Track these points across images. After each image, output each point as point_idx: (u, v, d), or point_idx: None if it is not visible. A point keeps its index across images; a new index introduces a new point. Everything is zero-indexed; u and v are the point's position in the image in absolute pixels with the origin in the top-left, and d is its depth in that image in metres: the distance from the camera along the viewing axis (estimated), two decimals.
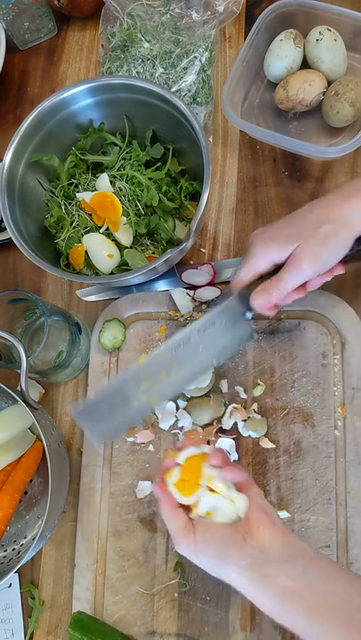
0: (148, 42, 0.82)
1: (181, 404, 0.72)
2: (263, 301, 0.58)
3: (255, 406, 0.71)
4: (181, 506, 0.53)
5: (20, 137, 0.72)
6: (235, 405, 0.71)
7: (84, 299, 0.79)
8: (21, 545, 0.70)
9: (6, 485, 0.66)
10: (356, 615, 0.48)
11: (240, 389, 0.72)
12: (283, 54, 0.78)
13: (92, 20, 0.92)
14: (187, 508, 0.53)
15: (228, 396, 0.72)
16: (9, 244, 0.78)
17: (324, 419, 0.69)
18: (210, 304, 0.75)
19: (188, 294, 0.75)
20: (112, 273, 0.75)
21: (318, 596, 0.49)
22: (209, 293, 0.74)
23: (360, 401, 0.69)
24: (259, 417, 0.70)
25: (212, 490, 0.52)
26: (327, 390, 0.70)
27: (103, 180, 0.75)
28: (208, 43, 0.83)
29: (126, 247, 0.75)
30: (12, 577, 0.71)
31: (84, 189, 0.77)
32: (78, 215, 0.76)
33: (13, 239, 0.69)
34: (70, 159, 0.78)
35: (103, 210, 0.73)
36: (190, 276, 0.75)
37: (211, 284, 0.75)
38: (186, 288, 0.76)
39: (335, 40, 0.76)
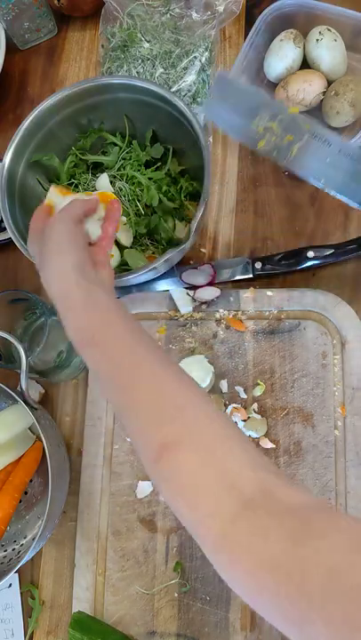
0: (148, 42, 0.82)
1: None
2: None
3: (255, 406, 0.71)
4: None
5: (20, 137, 0.72)
6: (235, 405, 0.71)
7: None
8: (21, 545, 0.70)
9: (6, 485, 0.66)
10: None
11: (240, 389, 0.72)
12: (283, 54, 0.78)
13: (92, 20, 0.92)
14: None
15: (228, 396, 0.72)
16: (9, 244, 0.78)
17: (325, 419, 0.69)
18: (210, 304, 0.75)
19: (188, 294, 0.75)
20: None
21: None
22: (209, 293, 0.74)
23: (360, 401, 0.69)
24: (259, 417, 0.70)
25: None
26: (327, 390, 0.70)
27: (103, 179, 0.75)
28: (208, 43, 0.83)
29: (126, 247, 0.75)
30: (12, 577, 0.71)
31: (84, 189, 0.78)
32: None
33: (13, 239, 0.69)
34: (70, 159, 0.78)
35: None
36: (190, 276, 0.75)
37: (211, 283, 0.75)
38: (186, 288, 0.76)
39: (335, 40, 0.76)
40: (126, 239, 0.74)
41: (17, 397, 0.62)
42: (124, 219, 0.74)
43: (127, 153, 0.78)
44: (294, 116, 0.57)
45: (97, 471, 0.72)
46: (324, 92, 0.77)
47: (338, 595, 0.33)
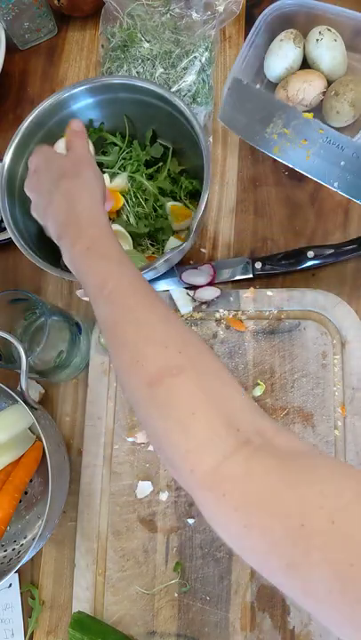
0: (148, 42, 0.82)
1: None
2: None
3: None
4: None
5: (20, 137, 0.72)
6: None
7: (84, 299, 0.79)
8: (21, 545, 0.70)
9: (6, 485, 0.66)
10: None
11: None
12: (283, 54, 0.78)
13: (92, 20, 0.92)
14: None
15: None
16: (9, 244, 0.78)
17: (325, 419, 0.69)
18: (210, 304, 0.75)
19: (188, 294, 0.75)
20: None
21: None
22: (209, 293, 0.74)
23: (360, 401, 0.69)
24: None
25: None
26: (327, 390, 0.70)
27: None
28: (208, 43, 0.83)
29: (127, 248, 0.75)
30: (12, 577, 0.71)
31: None
32: None
33: (13, 239, 0.69)
34: None
35: None
36: (190, 275, 0.75)
37: (211, 283, 0.75)
38: (186, 288, 0.76)
39: (335, 40, 0.76)
40: (125, 243, 0.75)
41: (17, 397, 0.62)
42: (126, 218, 0.74)
43: (127, 153, 0.78)
44: (308, 120, 0.58)
45: (97, 471, 0.72)
46: (324, 92, 0.77)
47: (343, 538, 0.32)
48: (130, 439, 0.72)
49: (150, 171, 0.77)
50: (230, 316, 0.74)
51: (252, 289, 0.74)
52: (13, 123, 0.90)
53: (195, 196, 0.76)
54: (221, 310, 0.74)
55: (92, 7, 0.89)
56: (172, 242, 0.74)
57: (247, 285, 0.76)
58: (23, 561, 0.61)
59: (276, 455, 0.38)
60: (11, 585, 0.71)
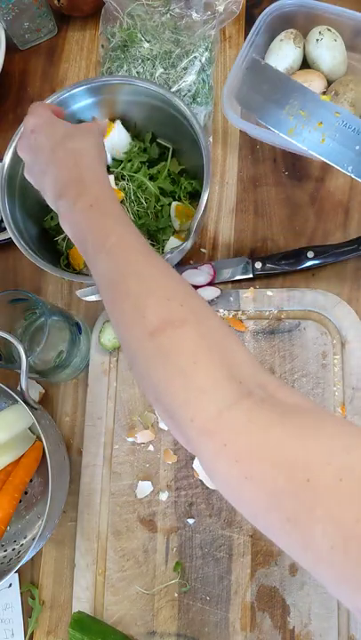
0: (148, 42, 0.82)
1: None
2: None
3: None
4: None
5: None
6: None
7: (84, 299, 0.79)
8: (21, 545, 0.70)
9: (6, 485, 0.66)
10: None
11: None
12: (283, 54, 0.78)
13: (92, 20, 0.92)
14: None
15: None
16: (9, 244, 0.78)
17: None
18: (210, 304, 0.75)
19: None
20: None
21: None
22: (209, 293, 0.74)
23: (360, 401, 0.69)
24: None
25: None
26: (327, 390, 0.70)
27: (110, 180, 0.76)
28: (208, 43, 0.83)
29: None
30: (12, 577, 0.71)
31: None
32: None
33: (13, 239, 0.69)
34: None
35: None
36: (190, 275, 0.75)
37: (211, 283, 0.75)
38: None
39: (335, 40, 0.76)
40: None
41: (17, 397, 0.62)
42: None
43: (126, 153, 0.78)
44: (325, 103, 0.58)
45: (97, 471, 0.72)
46: (324, 92, 0.76)
47: (350, 496, 0.31)
48: (130, 439, 0.72)
49: (153, 171, 0.77)
50: (230, 316, 0.74)
51: (252, 289, 0.74)
52: (13, 123, 0.90)
53: (195, 196, 0.76)
54: (221, 310, 0.74)
55: (92, 7, 0.89)
56: (172, 242, 0.75)
57: (247, 285, 0.76)
58: (23, 561, 0.61)
59: (280, 408, 0.37)
60: (11, 585, 0.71)
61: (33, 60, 0.94)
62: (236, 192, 0.81)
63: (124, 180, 0.77)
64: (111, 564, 0.69)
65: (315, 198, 0.79)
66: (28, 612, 0.71)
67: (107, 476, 0.72)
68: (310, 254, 0.74)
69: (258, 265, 0.75)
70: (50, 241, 0.78)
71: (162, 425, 0.72)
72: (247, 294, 0.74)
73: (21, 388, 0.62)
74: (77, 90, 0.74)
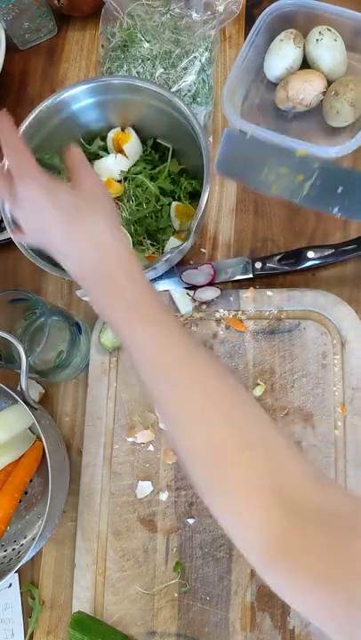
0: (148, 42, 0.82)
1: None
2: None
3: None
4: None
5: (21, 137, 0.72)
6: None
7: (84, 299, 0.79)
8: (21, 545, 0.70)
9: (6, 485, 0.66)
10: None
11: None
12: (283, 54, 0.78)
13: (92, 20, 0.92)
14: None
15: None
16: (9, 244, 0.78)
17: (325, 419, 0.69)
18: (210, 304, 0.75)
19: (188, 294, 0.75)
20: None
21: None
22: (209, 293, 0.74)
23: (360, 401, 0.69)
24: None
25: None
26: (327, 390, 0.70)
27: (104, 162, 0.77)
28: (208, 43, 0.83)
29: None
30: (12, 577, 0.71)
31: None
32: None
33: (13, 239, 0.69)
34: None
35: None
36: (190, 276, 0.75)
37: (211, 283, 0.75)
38: (186, 288, 0.76)
39: (335, 40, 0.76)
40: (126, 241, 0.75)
41: (17, 397, 0.62)
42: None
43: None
44: (303, 158, 0.59)
45: (97, 471, 0.72)
46: (324, 92, 0.77)
47: None
48: (130, 439, 0.72)
49: (154, 171, 0.77)
50: (230, 316, 0.74)
51: (251, 289, 0.74)
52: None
53: (195, 196, 0.76)
54: (221, 310, 0.74)
55: (92, 7, 0.89)
56: (172, 242, 0.75)
57: (247, 285, 0.76)
58: (23, 561, 0.61)
59: (323, 520, 0.39)
60: (11, 585, 0.71)
61: (33, 60, 0.94)
62: (236, 192, 0.81)
63: (125, 180, 0.77)
64: (111, 564, 0.69)
65: None
66: (28, 612, 0.71)
67: (107, 475, 0.72)
68: (310, 254, 0.74)
69: (258, 265, 0.75)
70: None
71: (162, 425, 0.72)
72: (247, 294, 0.74)
73: (21, 388, 0.62)
74: (77, 90, 0.74)
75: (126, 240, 0.50)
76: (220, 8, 0.84)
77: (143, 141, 0.79)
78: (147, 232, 0.76)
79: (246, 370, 0.72)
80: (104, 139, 0.80)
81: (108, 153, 0.79)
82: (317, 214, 0.78)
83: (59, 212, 0.49)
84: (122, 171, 0.77)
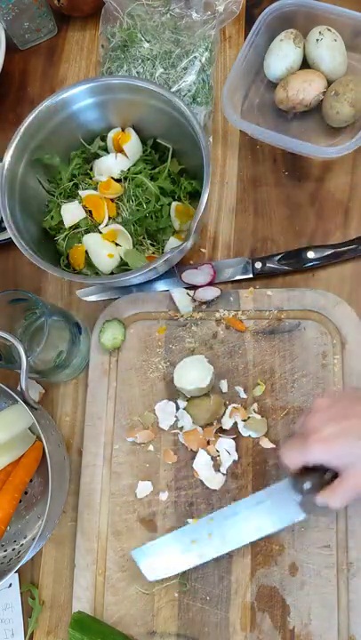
0: (148, 42, 0.82)
1: (181, 403, 0.72)
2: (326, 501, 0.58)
3: (255, 406, 0.71)
4: None
5: (21, 137, 0.72)
6: (235, 405, 0.71)
7: (84, 299, 0.79)
8: (21, 545, 0.70)
9: (6, 485, 0.66)
10: None
11: (240, 389, 0.72)
12: (283, 54, 0.78)
13: (92, 20, 0.92)
14: None
15: (228, 396, 0.72)
16: (9, 244, 0.78)
17: None
18: (210, 304, 0.75)
19: (188, 294, 0.75)
20: (112, 273, 0.75)
21: None
22: (209, 293, 0.74)
23: None
24: (259, 417, 0.70)
25: None
26: (327, 390, 0.70)
27: (104, 162, 0.77)
28: (208, 43, 0.83)
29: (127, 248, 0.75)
30: (12, 577, 0.71)
31: (85, 189, 0.78)
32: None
33: (13, 239, 0.69)
34: (75, 161, 0.78)
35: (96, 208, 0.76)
36: (190, 276, 0.75)
37: (211, 283, 0.75)
38: (186, 288, 0.76)
39: (335, 40, 0.76)
40: (125, 242, 0.75)
41: (17, 397, 0.62)
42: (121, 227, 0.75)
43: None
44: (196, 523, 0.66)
45: (97, 471, 0.72)
46: (324, 92, 0.77)
47: None
48: (130, 439, 0.72)
49: (154, 171, 0.77)
50: (230, 316, 0.74)
51: (251, 289, 0.74)
52: (13, 123, 0.90)
53: (195, 196, 0.76)
54: (221, 310, 0.74)
55: (92, 7, 0.90)
56: (172, 242, 0.75)
57: (247, 285, 0.76)
58: (23, 561, 0.61)
59: None
60: (11, 585, 0.71)
61: (33, 60, 0.94)
62: (236, 192, 0.81)
63: (125, 180, 0.77)
64: (111, 564, 0.69)
65: (315, 198, 0.79)
66: (28, 612, 0.71)
67: (107, 475, 0.72)
68: (310, 254, 0.74)
69: (258, 265, 0.75)
70: (50, 241, 0.78)
71: (162, 425, 0.72)
72: (247, 294, 0.74)
73: (21, 388, 0.62)
74: (77, 90, 0.74)
75: None
76: (220, 8, 0.84)
77: (143, 141, 0.79)
78: (147, 232, 0.76)
79: (246, 370, 0.72)
80: (104, 139, 0.80)
81: (108, 153, 0.79)
82: (317, 214, 0.78)
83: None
84: (122, 171, 0.77)
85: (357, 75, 0.79)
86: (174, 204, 0.75)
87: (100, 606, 0.68)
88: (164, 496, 0.70)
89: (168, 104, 0.71)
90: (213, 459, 0.69)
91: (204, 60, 0.82)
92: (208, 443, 0.70)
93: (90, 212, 0.76)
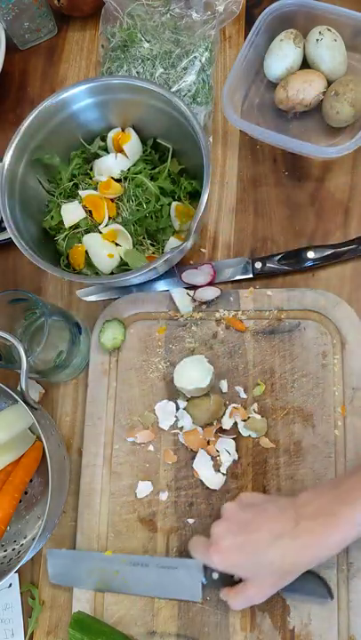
0: (148, 42, 0.82)
1: (181, 403, 0.72)
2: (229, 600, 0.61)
3: (255, 406, 0.71)
4: None
5: (21, 137, 0.72)
6: (235, 405, 0.71)
7: (84, 299, 0.79)
8: (21, 545, 0.70)
9: (6, 485, 0.66)
10: None
11: (240, 389, 0.72)
12: (283, 54, 0.78)
13: (92, 20, 0.92)
14: None
15: (228, 396, 0.72)
16: (9, 244, 0.78)
17: (325, 419, 0.69)
18: (210, 304, 0.75)
19: (188, 294, 0.75)
20: (112, 273, 0.75)
21: None
22: (209, 293, 0.74)
23: (360, 401, 0.69)
24: (259, 417, 0.70)
25: None
26: (327, 390, 0.70)
27: (104, 162, 0.77)
28: (208, 43, 0.83)
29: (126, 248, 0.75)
30: (12, 577, 0.71)
31: (85, 189, 0.78)
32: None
33: (13, 239, 0.69)
34: (75, 161, 0.78)
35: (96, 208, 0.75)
36: (190, 276, 0.75)
37: (211, 283, 0.75)
38: (186, 288, 0.76)
39: (335, 40, 0.76)
40: (125, 242, 0.75)
41: (17, 397, 0.62)
42: (121, 227, 0.75)
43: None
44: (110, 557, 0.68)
45: (97, 471, 0.72)
46: (324, 92, 0.77)
47: None
48: (130, 439, 0.72)
49: (154, 171, 0.77)
50: (230, 316, 0.74)
51: (251, 289, 0.74)
52: (13, 123, 0.90)
53: (195, 196, 0.76)
54: (221, 310, 0.74)
55: (92, 7, 0.90)
56: (172, 242, 0.75)
57: (247, 285, 0.76)
58: (23, 561, 0.61)
59: None
60: (11, 585, 0.71)
61: (33, 60, 0.94)
62: (236, 192, 0.81)
63: (125, 180, 0.77)
64: None
65: (315, 198, 0.79)
66: (28, 612, 0.71)
67: (107, 475, 0.72)
68: (310, 254, 0.74)
69: (258, 265, 0.75)
70: (50, 241, 0.78)
71: (162, 425, 0.72)
72: (247, 294, 0.74)
73: (21, 388, 0.62)
74: (77, 90, 0.74)
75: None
76: (220, 8, 0.84)
77: (143, 141, 0.79)
78: (147, 232, 0.76)
79: (246, 370, 0.72)
80: (104, 139, 0.80)
81: (108, 153, 0.79)
82: (317, 214, 0.78)
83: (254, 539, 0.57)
84: (122, 171, 0.77)
85: (357, 75, 0.79)
86: (174, 203, 0.75)
87: (100, 606, 0.68)
88: (164, 496, 0.70)
89: (168, 104, 0.71)
90: (213, 459, 0.69)
91: (204, 59, 0.82)
92: (208, 443, 0.70)
93: (90, 211, 0.76)
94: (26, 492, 0.73)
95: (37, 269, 0.69)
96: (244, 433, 0.70)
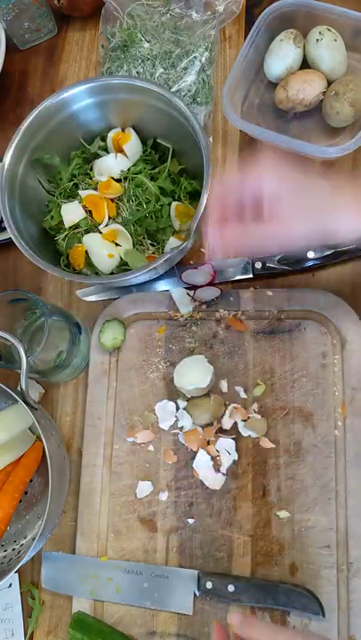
0: (148, 42, 0.82)
1: (181, 404, 0.72)
2: None
3: (255, 406, 0.71)
4: None
5: (21, 137, 0.72)
6: (235, 405, 0.71)
7: (84, 299, 0.79)
8: (21, 545, 0.70)
9: (6, 485, 0.66)
10: None
11: (240, 389, 0.72)
12: (283, 54, 0.78)
13: (92, 20, 0.92)
14: None
15: (228, 396, 0.72)
16: (9, 244, 0.78)
17: (324, 419, 0.69)
18: (210, 304, 0.75)
19: (188, 294, 0.75)
20: (112, 273, 0.75)
21: None
22: (209, 293, 0.74)
23: (360, 401, 0.69)
24: (259, 417, 0.70)
25: None
26: (327, 390, 0.70)
27: (104, 162, 0.76)
28: (208, 43, 0.83)
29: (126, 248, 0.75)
30: (12, 577, 0.71)
31: (85, 189, 0.78)
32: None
33: (13, 239, 0.69)
34: (75, 161, 0.78)
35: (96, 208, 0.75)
36: (190, 275, 0.75)
37: (211, 283, 0.75)
38: (186, 288, 0.76)
39: (335, 40, 0.76)
40: (125, 242, 0.75)
41: (17, 397, 0.62)
42: (121, 227, 0.75)
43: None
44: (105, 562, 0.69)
45: (97, 471, 0.72)
46: (324, 92, 0.77)
47: None
48: (130, 439, 0.72)
49: (154, 171, 0.77)
50: (230, 316, 0.74)
51: (252, 289, 0.74)
52: (13, 123, 0.90)
53: (195, 196, 0.76)
54: (221, 310, 0.74)
55: (92, 7, 0.90)
56: (172, 242, 0.75)
57: (247, 285, 0.76)
58: (23, 561, 0.61)
59: None
60: (11, 585, 0.71)
61: (33, 60, 0.94)
62: None
63: (125, 180, 0.77)
64: None
65: None
66: (28, 612, 0.71)
67: (107, 475, 0.72)
68: (310, 254, 0.74)
69: (258, 265, 0.75)
70: (50, 241, 0.78)
71: (162, 425, 0.72)
72: (247, 294, 0.74)
73: (21, 388, 0.62)
74: (77, 90, 0.74)
75: None
76: (220, 8, 0.84)
77: (143, 141, 0.79)
78: (147, 232, 0.76)
79: (246, 370, 0.72)
80: (104, 139, 0.80)
81: (108, 153, 0.79)
82: None
83: None
84: (122, 171, 0.77)
85: (357, 75, 0.79)
86: (174, 203, 0.75)
87: (100, 606, 0.68)
88: (164, 496, 0.70)
89: (168, 104, 0.71)
90: (213, 459, 0.69)
91: (204, 59, 0.82)
92: (208, 443, 0.70)
93: (90, 212, 0.76)
94: (26, 492, 0.73)
95: (37, 269, 0.69)
96: (244, 433, 0.70)
